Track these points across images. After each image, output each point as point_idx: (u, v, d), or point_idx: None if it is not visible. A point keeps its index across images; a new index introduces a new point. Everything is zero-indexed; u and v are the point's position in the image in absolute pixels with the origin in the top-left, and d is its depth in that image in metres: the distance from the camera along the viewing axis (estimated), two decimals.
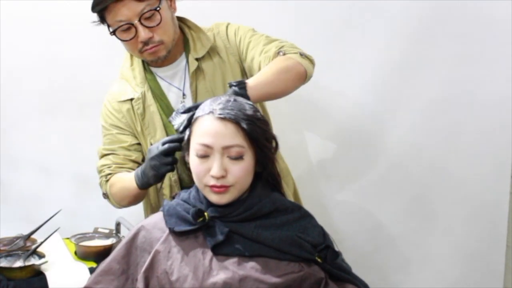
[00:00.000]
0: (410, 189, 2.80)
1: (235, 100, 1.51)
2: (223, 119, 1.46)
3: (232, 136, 1.46)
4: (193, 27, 2.07)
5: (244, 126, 1.46)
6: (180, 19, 2.07)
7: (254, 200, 1.51)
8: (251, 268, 1.46)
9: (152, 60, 1.99)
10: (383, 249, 2.82)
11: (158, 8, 1.88)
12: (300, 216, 1.56)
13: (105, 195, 2.06)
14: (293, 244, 1.49)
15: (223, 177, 1.47)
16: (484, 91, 2.74)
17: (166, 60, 2.02)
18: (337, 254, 1.54)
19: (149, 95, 2.03)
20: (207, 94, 1.99)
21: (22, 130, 2.44)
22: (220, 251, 1.48)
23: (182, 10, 2.05)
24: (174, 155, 1.73)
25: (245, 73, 2.05)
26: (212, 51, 2.04)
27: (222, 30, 2.06)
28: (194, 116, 1.53)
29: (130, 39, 1.92)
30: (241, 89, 1.68)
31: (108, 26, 1.96)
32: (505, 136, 2.77)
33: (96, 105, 2.47)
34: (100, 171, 2.07)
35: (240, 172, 1.48)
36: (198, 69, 2.02)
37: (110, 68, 2.46)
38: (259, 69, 1.93)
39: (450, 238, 2.84)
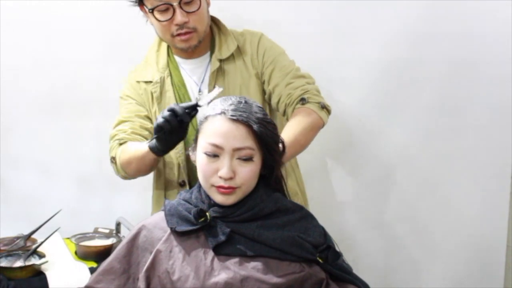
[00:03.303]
0: (410, 189, 2.80)
1: (246, 102, 1.51)
2: (235, 120, 1.47)
3: (243, 138, 1.47)
4: (223, 28, 2.12)
5: (256, 128, 1.46)
6: (211, 19, 2.11)
7: (255, 201, 1.51)
8: (252, 268, 1.46)
9: (182, 47, 2.03)
10: (383, 249, 2.82)
11: None
12: (301, 217, 1.56)
13: (113, 160, 2.04)
14: (294, 244, 1.49)
15: (231, 178, 1.47)
16: (484, 91, 2.74)
17: (192, 53, 2.08)
18: (338, 255, 1.54)
19: (168, 81, 2.09)
20: (222, 95, 2.01)
21: (22, 130, 2.44)
22: (221, 251, 1.48)
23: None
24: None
25: (263, 90, 2.10)
26: (238, 54, 2.09)
27: (254, 40, 2.11)
28: (205, 114, 1.52)
29: (166, 21, 1.97)
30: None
31: (144, 5, 2.02)
32: (505, 136, 2.77)
33: (96, 105, 2.49)
34: (113, 136, 2.07)
35: (248, 174, 1.48)
36: (220, 70, 2.07)
37: (110, 68, 2.48)
38: (278, 103, 2.03)
39: (450, 238, 2.84)
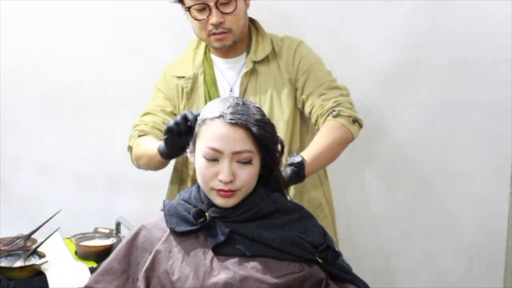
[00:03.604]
0: (409, 190, 2.80)
1: (243, 103, 1.50)
2: (234, 124, 1.46)
3: (242, 142, 1.46)
4: (260, 30, 2.14)
5: (254, 131, 1.46)
6: (250, 20, 2.13)
7: (255, 201, 1.51)
8: (252, 268, 1.46)
9: (217, 47, 2.06)
10: (383, 249, 2.82)
11: None
12: (301, 216, 1.55)
13: (129, 149, 2.09)
14: (294, 244, 1.49)
15: (231, 181, 1.47)
16: (484, 91, 2.74)
17: (228, 53, 2.10)
18: (337, 255, 1.54)
19: (200, 79, 2.12)
20: (254, 98, 2.06)
21: (22, 130, 2.44)
22: (221, 251, 1.47)
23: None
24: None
25: (295, 96, 2.10)
26: (273, 58, 2.10)
27: (292, 46, 2.11)
28: (202, 117, 1.52)
29: (202, 20, 2.00)
30: (300, 171, 1.80)
31: (182, 3, 2.05)
32: (505, 136, 2.77)
33: (96, 105, 2.49)
34: (135, 125, 2.12)
35: (248, 177, 1.48)
36: (253, 71, 2.08)
37: (110, 68, 2.48)
38: (310, 113, 2.04)
39: (450, 238, 2.84)
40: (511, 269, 2.84)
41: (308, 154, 1.88)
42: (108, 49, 2.47)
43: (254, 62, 2.08)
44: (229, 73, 2.13)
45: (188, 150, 1.57)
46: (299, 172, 1.79)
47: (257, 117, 1.48)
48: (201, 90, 2.12)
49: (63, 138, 2.48)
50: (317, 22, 2.57)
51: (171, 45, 2.49)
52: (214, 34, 2.02)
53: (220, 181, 1.46)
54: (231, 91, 2.11)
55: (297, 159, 1.82)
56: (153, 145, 1.93)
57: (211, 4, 1.98)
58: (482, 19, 2.68)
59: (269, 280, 1.44)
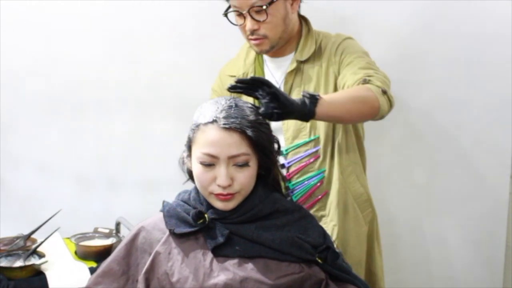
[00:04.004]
0: (409, 189, 2.80)
1: (236, 105, 1.49)
2: (228, 128, 1.45)
3: (237, 145, 1.45)
4: (311, 30, 2.12)
5: (250, 134, 1.45)
6: (303, 19, 2.13)
7: (254, 202, 1.51)
8: (251, 269, 1.46)
9: (256, 50, 2.08)
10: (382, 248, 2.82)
11: (265, 7, 1.96)
12: (300, 217, 1.56)
13: None
14: (294, 245, 1.49)
15: (229, 185, 1.46)
16: (484, 91, 2.74)
17: (277, 53, 2.10)
18: (337, 255, 1.54)
19: None
20: (298, 96, 2.01)
21: (22, 130, 2.44)
22: (220, 252, 1.47)
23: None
24: None
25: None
26: (318, 55, 2.08)
27: (336, 42, 2.08)
28: (196, 122, 1.51)
29: (240, 25, 2.03)
30: (311, 104, 1.64)
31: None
32: (505, 136, 2.77)
33: (96, 105, 2.49)
34: None
35: (246, 179, 1.48)
36: (298, 71, 2.08)
37: (110, 68, 2.48)
38: (342, 86, 1.95)
39: (450, 237, 2.84)
40: (511, 269, 2.84)
41: (326, 96, 1.75)
42: (108, 49, 2.47)
43: (299, 62, 2.07)
44: (277, 72, 2.13)
45: (184, 155, 1.56)
46: (310, 105, 1.63)
47: (251, 118, 1.48)
48: None
49: (63, 138, 2.48)
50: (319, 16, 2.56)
51: (171, 45, 2.49)
52: (251, 39, 2.03)
53: (218, 185, 1.46)
54: None
55: (313, 93, 1.70)
56: None
57: (245, 11, 1.98)
58: (482, 20, 2.69)
59: (269, 281, 1.44)
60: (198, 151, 1.48)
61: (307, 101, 1.64)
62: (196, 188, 1.55)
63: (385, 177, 2.75)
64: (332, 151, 2.08)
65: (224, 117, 1.46)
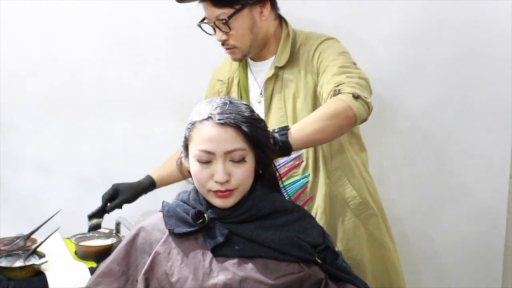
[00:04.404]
0: (409, 189, 2.80)
1: (231, 102, 1.50)
2: (223, 124, 1.46)
3: (233, 140, 1.46)
4: (291, 33, 2.10)
5: (245, 129, 1.46)
6: (284, 22, 2.12)
7: (253, 201, 1.51)
8: (251, 269, 1.46)
9: (232, 58, 2.10)
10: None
11: (226, 20, 1.97)
12: (300, 217, 1.56)
13: None
14: (293, 245, 1.49)
15: (227, 181, 1.47)
16: (484, 91, 2.74)
17: (259, 56, 2.12)
18: (337, 255, 1.54)
19: (235, 83, 2.16)
20: (279, 102, 2.06)
21: (22, 130, 2.44)
22: (220, 252, 1.47)
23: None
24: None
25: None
26: (296, 61, 2.07)
27: (314, 45, 2.06)
28: (192, 121, 1.51)
29: (212, 35, 2.05)
30: (282, 136, 1.68)
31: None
32: (505, 136, 2.77)
33: (96, 105, 2.49)
34: None
35: (243, 175, 1.48)
36: (277, 77, 2.08)
37: (110, 68, 2.48)
38: (321, 99, 1.94)
39: (450, 237, 2.84)
40: (510, 269, 2.85)
41: (295, 125, 1.76)
42: (108, 49, 2.47)
43: (277, 68, 2.07)
44: (260, 76, 2.13)
45: (181, 155, 1.57)
46: (281, 137, 1.66)
47: (246, 114, 1.48)
48: (234, 94, 2.16)
49: (63, 138, 2.48)
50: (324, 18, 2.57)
51: (171, 45, 2.49)
52: (224, 48, 2.06)
53: (216, 182, 1.47)
54: (261, 94, 2.11)
55: (281, 126, 1.74)
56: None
57: (212, 24, 2.02)
58: (483, 20, 2.69)
59: (268, 281, 1.44)
60: (194, 149, 1.49)
61: (276, 135, 1.67)
62: (195, 188, 1.55)
63: (385, 177, 2.74)
64: (315, 155, 2.07)
65: (218, 113, 1.46)
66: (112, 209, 2.16)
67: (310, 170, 2.07)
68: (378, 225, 2.16)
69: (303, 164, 2.07)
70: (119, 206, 2.16)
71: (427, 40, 2.68)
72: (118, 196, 2.16)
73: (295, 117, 2.04)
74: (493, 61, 2.72)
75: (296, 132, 1.71)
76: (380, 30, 2.63)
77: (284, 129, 1.70)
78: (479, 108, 2.75)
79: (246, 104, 1.52)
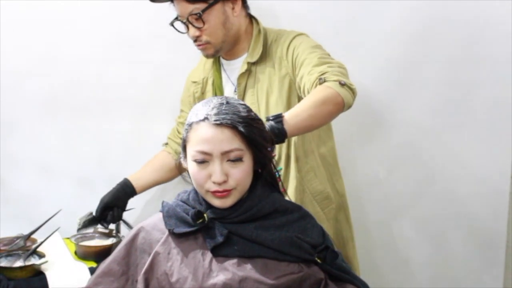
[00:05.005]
0: (409, 189, 2.80)
1: (227, 102, 1.50)
2: (220, 125, 1.46)
3: (229, 141, 1.46)
4: (262, 31, 2.13)
5: (241, 129, 1.46)
6: (254, 19, 2.15)
7: (253, 201, 1.51)
8: (251, 269, 1.46)
9: (204, 55, 2.13)
10: (382, 248, 2.82)
11: (200, 14, 2.00)
12: (299, 217, 1.56)
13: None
14: (293, 245, 1.49)
15: (224, 181, 1.47)
16: (484, 91, 2.74)
17: (230, 55, 2.15)
18: (336, 255, 1.54)
19: (209, 83, 2.20)
20: (252, 97, 2.09)
21: (22, 130, 2.44)
22: (219, 252, 1.48)
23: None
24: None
25: (295, 88, 2.07)
26: (269, 56, 2.10)
27: (287, 41, 2.09)
28: (189, 122, 1.52)
29: (184, 33, 2.08)
30: (277, 123, 1.71)
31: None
32: (505, 136, 2.77)
33: (96, 105, 2.49)
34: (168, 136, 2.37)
35: (241, 175, 1.48)
36: (250, 73, 2.11)
37: (110, 68, 2.48)
38: (302, 89, 1.96)
39: (450, 237, 2.84)
40: (511, 268, 2.84)
41: (288, 112, 1.79)
42: (108, 49, 2.47)
43: (250, 64, 2.10)
44: (233, 74, 2.16)
45: (180, 157, 1.57)
46: (277, 124, 1.70)
47: (243, 114, 1.48)
48: (209, 94, 2.18)
49: (63, 138, 2.48)
50: (320, 18, 2.57)
51: (171, 45, 2.49)
52: (196, 45, 2.09)
53: (214, 182, 1.47)
54: (235, 91, 2.14)
55: (275, 114, 1.76)
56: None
57: (185, 20, 2.04)
58: (483, 20, 2.68)
59: (268, 281, 1.44)
60: (191, 150, 1.49)
61: (272, 122, 1.69)
62: (195, 189, 1.55)
63: (386, 177, 2.75)
64: (288, 150, 2.11)
65: (215, 114, 1.47)
66: (114, 222, 2.25)
67: (282, 164, 2.11)
68: (340, 220, 2.22)
69: (275, 158, 2.09)
70: (119, 218, 2.25)
71: (427, 40, 2.67)
72: (113, 208, 2.23)
73: (267, 112, 2.07)
74: (494, 62, 2.71)
75: (291, 119, 1.74)
76: (380, 30, 2.63)
77: (279, 117, 1.73)
78: (479, 108, 2.75)
79: (243, 104, 1.52)
